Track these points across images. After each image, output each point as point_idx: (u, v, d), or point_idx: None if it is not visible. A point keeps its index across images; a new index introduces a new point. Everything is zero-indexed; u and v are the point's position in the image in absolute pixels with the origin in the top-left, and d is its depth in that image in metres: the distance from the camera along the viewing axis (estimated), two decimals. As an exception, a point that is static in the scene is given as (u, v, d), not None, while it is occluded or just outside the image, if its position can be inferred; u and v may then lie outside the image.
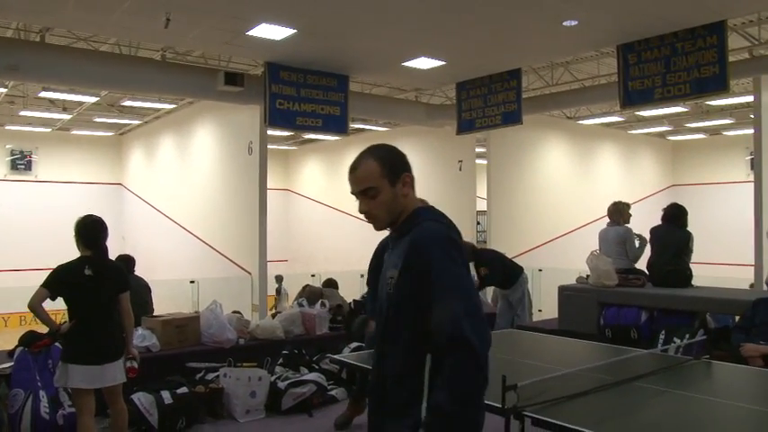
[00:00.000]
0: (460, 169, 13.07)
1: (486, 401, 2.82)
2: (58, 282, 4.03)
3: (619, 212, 6.63)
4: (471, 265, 6.62)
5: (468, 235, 13.01)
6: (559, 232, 13.98)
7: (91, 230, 4.19)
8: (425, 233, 1.97)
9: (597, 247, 6.65)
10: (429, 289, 1.89)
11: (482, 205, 13.91)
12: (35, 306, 3.94)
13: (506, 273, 7.15)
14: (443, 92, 13.31)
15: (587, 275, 6.46)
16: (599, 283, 6.17)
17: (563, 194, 14.61)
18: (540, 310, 9.87)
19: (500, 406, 2.70)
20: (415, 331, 1.93)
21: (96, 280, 4.07)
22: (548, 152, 14.90)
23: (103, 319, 4.09)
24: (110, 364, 4.04)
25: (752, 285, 8.89)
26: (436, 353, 1.87)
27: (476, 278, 6.99)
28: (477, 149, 13.79)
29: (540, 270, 11.05)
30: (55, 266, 4.13)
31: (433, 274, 1.89)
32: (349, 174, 2.09)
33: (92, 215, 4.29)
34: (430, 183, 14.18)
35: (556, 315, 6.76)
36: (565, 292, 6.51)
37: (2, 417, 4.65)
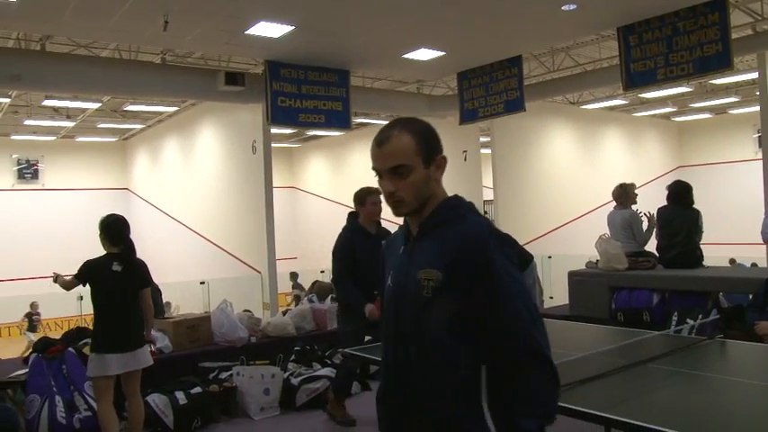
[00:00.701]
0: (465, 159, 13.03)
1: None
2: (90, 272, 4.31)
3: (625, 194, 6.53)
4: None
5: (476, 225, 12.96)
6: (567, 218, 13.94)
7: (114, 227, 4.42)
8: (479, 228, 1.73)
9: (605, 232, 6.60)
10: (486, 293, 1.64)
11: (488, 195, 13.88)
12: (65, 286, 4.37)
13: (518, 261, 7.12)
14: (445, 82, 13.27)
15: (596, 260, 6.43)
16: (609, 268, 6.14)
17: (569, 180, 14.57)
18: (551, 297, 9.84)
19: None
20: (461, 340, 1.66)
21: (124, 275, 4.34)
22: (552, 138, 14.85)
23: (132, 310, 4.37)
24: (139, 350, 4.34)
25: (732, 261, 8.77)
26: (498, 366, 1.65)
27: None
28: (482, 139, 13.75)
29: (550, 257, 11.02)
30: (80, 264, 4.36)
31: (495, 276, 1.65)
32: (374, 147, 1.79)
33: (114, 213, 4.55)
34: (435, 174, 14.16)
35: (566, 301, 6.73)
36: (575, 278, 6.48)
37: (19, 422, 4.68)
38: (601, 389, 2.82)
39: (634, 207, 6.53)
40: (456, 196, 1.88)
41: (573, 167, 14.99)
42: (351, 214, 4.93)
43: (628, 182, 6.72)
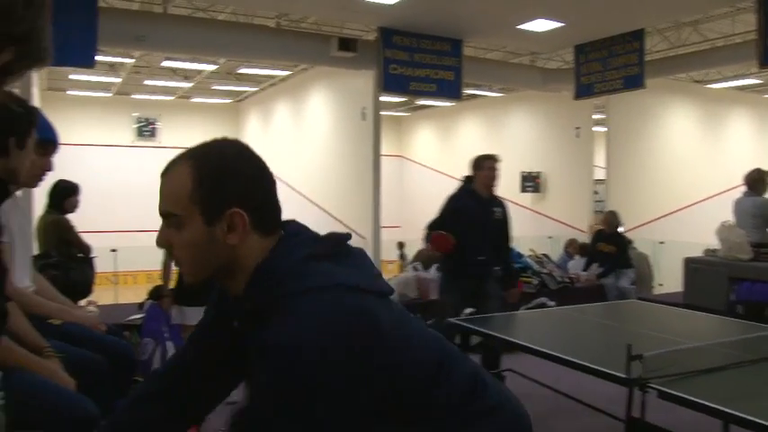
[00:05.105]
0: (578, 136, 12.61)
1: (608, 371, 2.73)
2: None
3: (762, 181, 6.06)
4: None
5: (585, 205, 12.61)
6: (683, 203, 13.23)
7: None
8: (281, 339, 1.12)
9: (727, 219, 6.20)
10: None
11: (599, 174, 13.40)
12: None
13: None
14: (560, 56, 12.82)
15: (714, 249, 6.08)
16: (730, 256, 5.78)
17: (688, 164, 13.78)
18: (660, 285, 9.44)
19: (624, 376, 2.59)
20: None
21: None
22: (672, 118, 14.07)
23: None
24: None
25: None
26: None
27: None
28: (595, 116, 13.24)
29: (662, 243, 10.54)
30: None
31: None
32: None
33: None
34: (545, 150, 13.82)
35: (677, 289, 6.44)
36: (691, 265, 6.16)
37: (136, 362, 4.98)
38: (719, 382, 2.67)
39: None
40: (271, 262, 1.23)
41: (693, 150, 14.17)
42: (466, 177, 4.90)
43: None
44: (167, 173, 1.27)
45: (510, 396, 1.51)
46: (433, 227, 4.81)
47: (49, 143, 2.16)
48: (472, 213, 4.71)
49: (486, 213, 4.79)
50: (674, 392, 2.44)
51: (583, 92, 10.53)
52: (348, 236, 1.35)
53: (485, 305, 4.59)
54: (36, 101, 9.98)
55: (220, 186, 1.22)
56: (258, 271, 1.23)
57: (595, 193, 12.94)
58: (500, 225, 4.89)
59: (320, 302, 1.15)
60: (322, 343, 1.11)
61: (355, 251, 1.34)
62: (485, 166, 4.76)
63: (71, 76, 15.20)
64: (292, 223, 1.34)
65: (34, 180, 2.21)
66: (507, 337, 3.78)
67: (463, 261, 4.66)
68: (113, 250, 9.92)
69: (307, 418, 1.11)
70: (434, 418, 1.31)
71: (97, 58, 8.06)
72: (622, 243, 8.21)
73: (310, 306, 1.15)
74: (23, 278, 2.49)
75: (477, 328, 3.93)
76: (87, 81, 15.97)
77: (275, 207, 1.31)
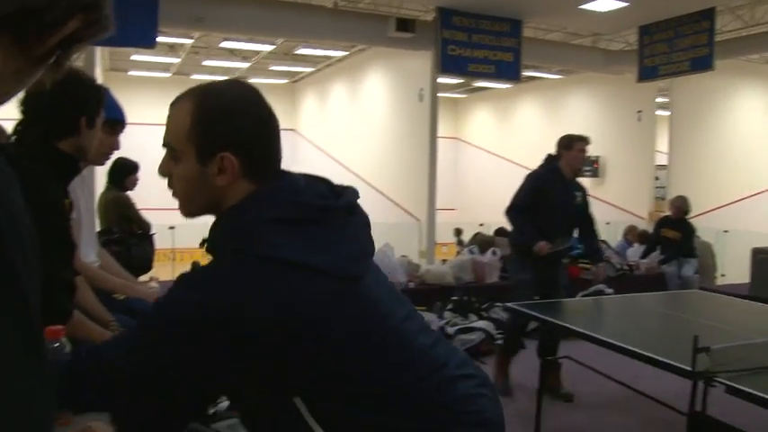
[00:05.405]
0: (639, 120, 12.26)
1: (672, 362, 2.65)
2: None
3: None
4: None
5: (646, 191, 12.28)
6: (750, 191, 12.75)
7: None
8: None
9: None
10: None
11: (660, 159, 13.02)
12: None
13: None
14: (623, 37, 12.44)
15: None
16: (801, 247, 5.56)
17: (757, 150, 13.22)
18: (722, 275, 9.14)
19: (689, 369, 2.51)
20: None
21: None
22: (741, 101, 13.51)
23: None
24: None
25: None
26: None
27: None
28: (659, 99, 12.84)
29: (726, 231, 10.20)
30: None
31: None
32: None
33: None
34: (605, 134, 13.48)
35: (741, 281, 6.22)
36: (760, 256, 5.92)
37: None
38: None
39: None
40: (244, 204, 1.25)
41: (762, 135, 13.60)
42: (550, 156, 4.70)
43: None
44: (173, 106, 1.29)
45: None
46: (515, 209, 4.62)
47: (116, 122, 2.19)
48: (555, 193, 4.50)
49: (569, 196, 4.59)
50: (745, 388, 2.34)
51: (647, 74, 10.20)
52: (345, 202, 1.33)
53: (552, 294, 4.48)
54: (99, 81, 10.17)
55: (215, 129, 1.24)
56: (220, 216, 1.28)
57: (656, 178, 12.59)
58: (579, 210, 4.69)
59: (237, 267, 1.17)
60: (205, 302, 1.14)
61: (342, 221, 1.30)
62: (575, 147, 4.52)
63: (132, 57, 15.55)
64: (288, 178, 1.31)
65: (101, 158, 2.25)
66: (565, 324, 3.71)
67: (539, 237, 4.45)
68: (171, 227, 10.12)
69: (153, 348, 1.18)
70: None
71: (158, 38, 8.18)
72: (688, 230, 7.96)
73: (227, 267, 1.19)
74: (89, 253, 2.56)
75: (534, 313, 3.86)
76: (148, 61, 16.32)
77: (271, 156, 1.30)
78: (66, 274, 1.80)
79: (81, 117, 1.88)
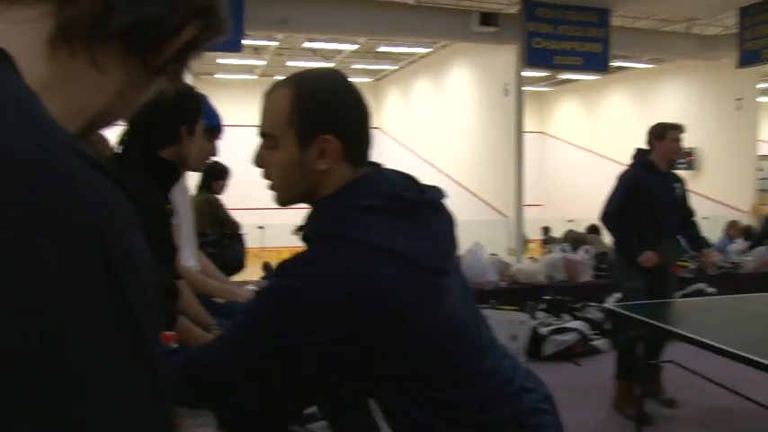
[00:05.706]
0: (739, 108, 11.64)
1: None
2: None
3: None
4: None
5: (747, 184, 11.67)
6: None
7: None
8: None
9: None
10: None
11: (763, 149, 12.33)
12: None
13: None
14: (719, 20, 11.84)
15: None
16: None
17: None
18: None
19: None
20: None
21: None
22: None
23: None
24: None
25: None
26: None
27: None
28: (760, 85, 12.16)
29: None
30: None
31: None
32: None
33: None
34: (700, 124, 12.86)
35: None
36: None
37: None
38: None
39: None
40: (344, 191, 1.26)
41: None
42: (639, 150, 4.45)
43: None
44: (269, 95, 1.30)
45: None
46: (610, 214, 4.36)
47: (215, 129, 2.23)
48: (653, 189, 4.23)
49: (668, 189, 4.32)
50: None
51: (748, 59, 9.66)
52: (431, 199, 1.33)
53: (665, 289, 4.28)
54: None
55: (317, 112, 1.25)
56: (321, 203, 1.28)
57: (759, 170, 11.92)
58: (681, 203, 4.43)
59: (339, 253, 1.17)
60: (312, 293, 1.14)
61: (429, 217, 1.30)
62: (669, 136, 4.22)
63: (219, 60, 16.01)
64: (380, 168, 1.33)
65: (200, 164, 2.30)
66: (666, 326, 3.55)
67: (644, 244, 4.20)
68: (260, 227, 10.37)
69: (258, 342, 1.18)
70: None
71: (243, 41, 8.35)
72: None
73: (328, 253, 1.19)
74: (189, 258, 2.62)
75: (632, 314, 3.71)
76: (233, 64, 16.77)
77: (366, 140, 1.32)
78: (170, 279, 1.85)
79: (181, 126, 1.91)
